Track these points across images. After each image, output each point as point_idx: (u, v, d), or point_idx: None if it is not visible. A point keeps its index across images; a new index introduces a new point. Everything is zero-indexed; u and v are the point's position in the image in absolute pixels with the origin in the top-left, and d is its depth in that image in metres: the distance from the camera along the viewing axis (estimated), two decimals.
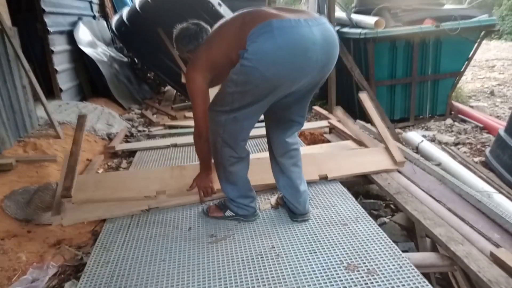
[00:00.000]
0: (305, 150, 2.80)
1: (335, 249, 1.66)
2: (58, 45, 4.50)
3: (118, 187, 2.13)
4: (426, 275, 1.54)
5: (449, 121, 4.71)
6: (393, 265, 1.54)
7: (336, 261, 1.59)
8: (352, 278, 1.48)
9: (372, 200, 2.49)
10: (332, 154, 2.35)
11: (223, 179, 1.85)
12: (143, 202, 2.10)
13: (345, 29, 4.88)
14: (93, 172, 2.70)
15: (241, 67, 1.47)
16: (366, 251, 1.64)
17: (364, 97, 2.88)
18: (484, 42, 4.73)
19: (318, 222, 1.89)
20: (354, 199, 2.13)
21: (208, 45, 1.64)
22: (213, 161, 1.86)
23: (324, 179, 2.26)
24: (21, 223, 2.11)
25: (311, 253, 1.65)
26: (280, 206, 2.03)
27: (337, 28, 4.84)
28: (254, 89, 1.52)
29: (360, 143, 2.83)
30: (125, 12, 5.36)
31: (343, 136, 3.20)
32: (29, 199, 2.22)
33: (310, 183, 2.16)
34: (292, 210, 1.91)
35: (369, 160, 2.41)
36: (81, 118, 2.55)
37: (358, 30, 4.49)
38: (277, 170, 1.89)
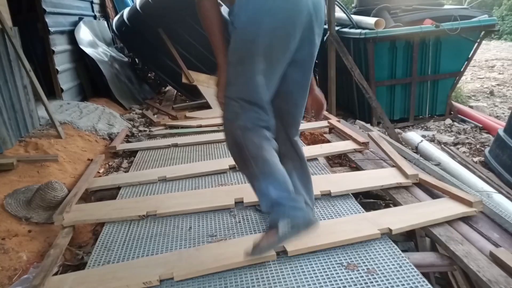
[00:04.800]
0: (305, 150, 2.80)
1: (334, 249, 1.66)
2: (59, 45, 4.50)
3: (105, 279, 1.56)
4: (425, 275, 1.54)
5: (448, 121, 4.72)
6: (393, 264, 1.55)
7: (336, 260, 1.59)
8: (351, 278, 1.48)
9: (372, 200, 2.49)
10: (384, 211, 1.96)
11: (258, 174, 1.44)
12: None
13: (345, 29, 4.88)
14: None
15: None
16: (366, 250, 1.64)
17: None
18: (484, 42, 4.74)
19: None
20: (354, 198, 2.14)
21: None
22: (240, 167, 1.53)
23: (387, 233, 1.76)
24: (21, 220, 2.11)
25: (311, 252, 1.65)
26: None
27: (337, 28, 4.85)
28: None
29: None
30: (125, 12, 5.38)
31: (342, 136, 3.22)
32: (30, 197, 2.23)
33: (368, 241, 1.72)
34: None
35: (436, 209, 1.90)
36: None
37: (358, 30, 4.50)
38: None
